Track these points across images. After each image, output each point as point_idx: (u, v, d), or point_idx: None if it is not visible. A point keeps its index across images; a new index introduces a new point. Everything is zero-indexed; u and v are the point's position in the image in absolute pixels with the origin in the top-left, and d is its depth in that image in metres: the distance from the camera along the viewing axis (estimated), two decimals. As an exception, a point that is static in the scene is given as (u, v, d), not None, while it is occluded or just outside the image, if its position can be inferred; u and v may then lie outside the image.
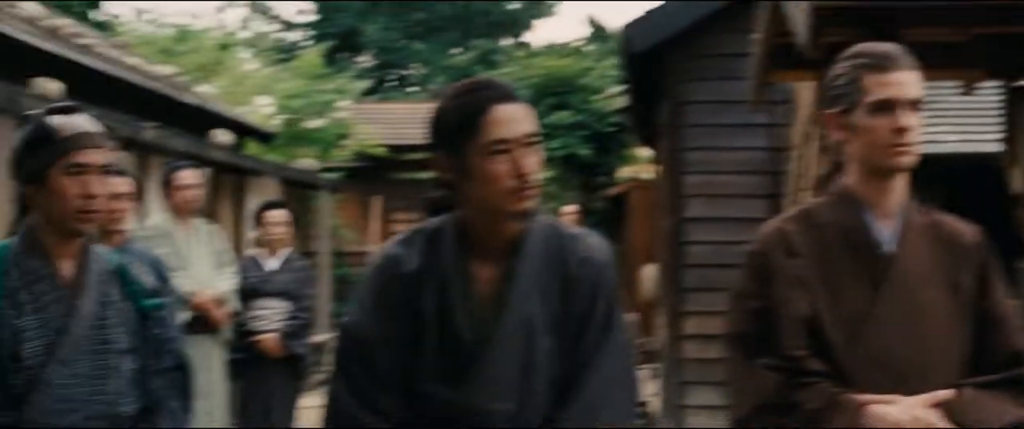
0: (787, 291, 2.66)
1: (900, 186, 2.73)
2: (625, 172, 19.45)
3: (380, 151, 18.80)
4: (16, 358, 2.68)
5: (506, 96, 2.46)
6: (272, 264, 7.41)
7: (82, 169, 2.74)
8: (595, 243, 2.63)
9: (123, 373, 2.81)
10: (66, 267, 2.80)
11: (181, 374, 3.02)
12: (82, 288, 2.79)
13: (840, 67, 2.74)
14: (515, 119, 2.44)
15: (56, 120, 2.76)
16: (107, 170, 2.79)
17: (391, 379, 2.53)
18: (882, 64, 2.65)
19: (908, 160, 2.66)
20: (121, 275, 2.91)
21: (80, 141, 2.74)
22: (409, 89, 31.87)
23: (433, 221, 2.65)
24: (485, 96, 2.45)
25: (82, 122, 2.79)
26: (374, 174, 19.89)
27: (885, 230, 2.71)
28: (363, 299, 2.62)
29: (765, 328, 2.67)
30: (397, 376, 2.53)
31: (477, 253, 2.57)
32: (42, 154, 2.74)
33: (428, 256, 2.59)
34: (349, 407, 2.53)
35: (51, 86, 7.53)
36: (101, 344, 2.78)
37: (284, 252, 7.57)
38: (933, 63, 4.86)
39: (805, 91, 7.81)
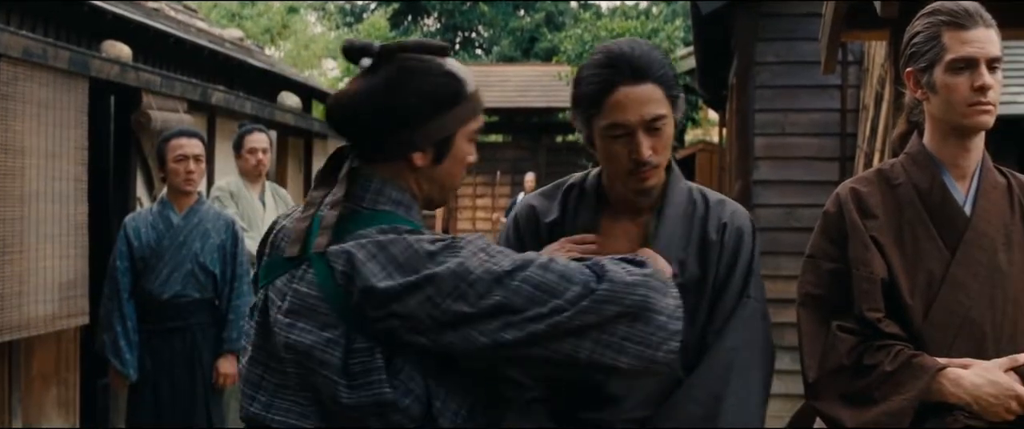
0: (863, 252, 2.63)
1: (978, 146, 2.68)
2: (693, 135, 19.37)
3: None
4: None
5: (636, 75, 2.43)
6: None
7: None
8: (737, 210, 2.64)
9: None
10: None
11: None
12: None
13: (919, 24, 2.69)
14: (638, 102, 2.43)
15: None
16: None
17: None
18: (962, 22, 2.60)
19: (988, 119, 2.62)
20: None
21: None
22: (475, 52, 31.86)
23: (575, 176, 2.71)
24: (613, 74, 2.44)
25: None
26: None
27: (962, 191, 2.67)
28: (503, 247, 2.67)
29: (840, 290, 2.64)
30: None
31: (616, 210, 2.60)
32: None
33: (567, 209, 2.64)
34: None
35: (121, 49, 7.62)
36: None
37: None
38: (1009, 22, 4.77)
39: (877, 51, 7.70)
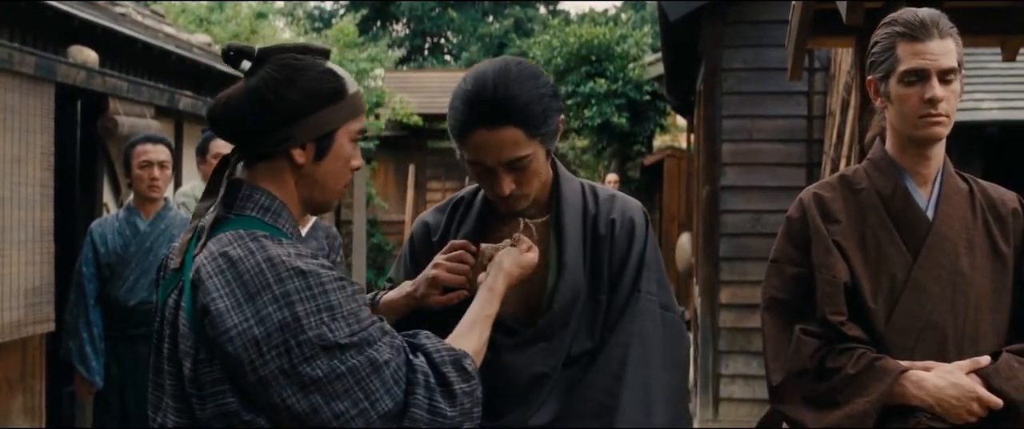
0: (826, 257, 2.65)
1: (938, 153, 2.71)
2: (661, 141, 19.41)
3: (414, 120, 18.84)
4: None
5: (493, 120, 2.37)
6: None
7: None
8: (628, 204, 2.63)
9: None
10: None
11: None
12: None
13: (878, 33, 2.73)
14: (496, 146, 2.39)
15: None
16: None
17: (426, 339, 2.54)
18: (916, 33, 2.63)
19: (940, 130, 2.65)
20: None
21: None
22: (443, 57, 31.85)
23: (466, 189, 2.70)
24: (470, 116, 2.39)
25: None
26: (408, 143, 19.96)
27: (924, 196, 2.69)
28: (400, 265, 2.70)
29: (803, 294, 2.67)
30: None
31: (504, 218, 2.59)
32: None
33: (452, 224, 2.64)
34: None
35: (88, 54, 7.57)
36: None
37: (311, 220, 7.60)
38: (974, 29, 4.83)
39: (843, 58, 7.76)
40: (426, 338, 2.16)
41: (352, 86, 2.19)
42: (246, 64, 2.16)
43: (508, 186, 2.43)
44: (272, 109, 2.09)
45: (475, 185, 2.65)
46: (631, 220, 2.58)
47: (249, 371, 1.97)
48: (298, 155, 2.13)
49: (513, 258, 2.42)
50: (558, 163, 2.62)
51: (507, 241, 2.48)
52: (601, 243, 2.55)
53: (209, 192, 2.19)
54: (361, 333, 2.01)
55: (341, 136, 2.17)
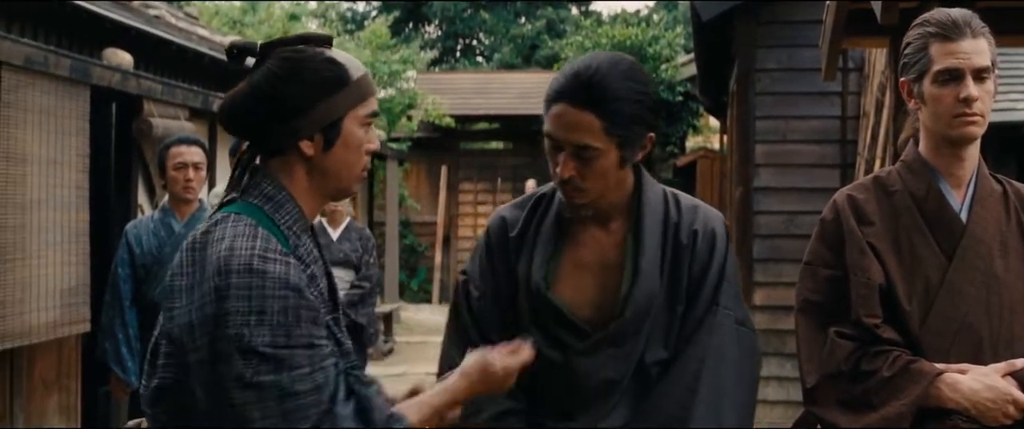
0: (860, 259, 2.64)
1: (972, 154, 2.69)
2: (694, 142, 19.37)
3: (447, 121, 18.85)
4: None
5: (576, 99, 2.40)
6: (333, 233, 7.50)
7: None
8: (710, 215, 2.62)
9: None
10: None
11: None
12: None
13: (911, 34, 2.71)
14: (567, 125, 2.41)
15: None
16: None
17: (498, 338, 2.52)
18: (948, 33, 2.61)
19: (975, 130, 2.63)
20: None
21: None
22: (475, 59, 31.87)
23: (548, 185, 2.68)
24: (562, 88, 2.43)
25: None
26: (441, 144, 19.98)
27: (958, 198, 2.68)
28: (475, 259, 2.68)
29: (838, 296, 2.65)
30: (502, 334, 2.53)
31: (585, 219, 2.58)
32: None
33: (532, 220, 2.63)
34: (457, 362, 2.56)
35: (122, 57, 7.62)
36: None
37: (345, 221, 7.65)
38: (1007, 29, 4.78)
39: (877, 58, 7.71)
40: (375, 393, 2.12)
41: (356, 70, 2.17)
42: (250, 61, 2.16)
43: (568, 171, 2.43)
44: (276, 104, 2.09)
45: (552, 183, 2.65)
46: (713, 232, 2.57)
47: (182, 354, 2.00)
48: (306, 147, 2.12)
49: (479, 366, 2.31)
50: (643, 170, 2.61)
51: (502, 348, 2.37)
52: (681, 253, 2.54)
53: (230, 186, 2.20)
54: (283, 350, 1.96)
55: (349, 123, 2.14)
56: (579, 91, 2.39)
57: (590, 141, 2.40)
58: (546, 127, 2.45)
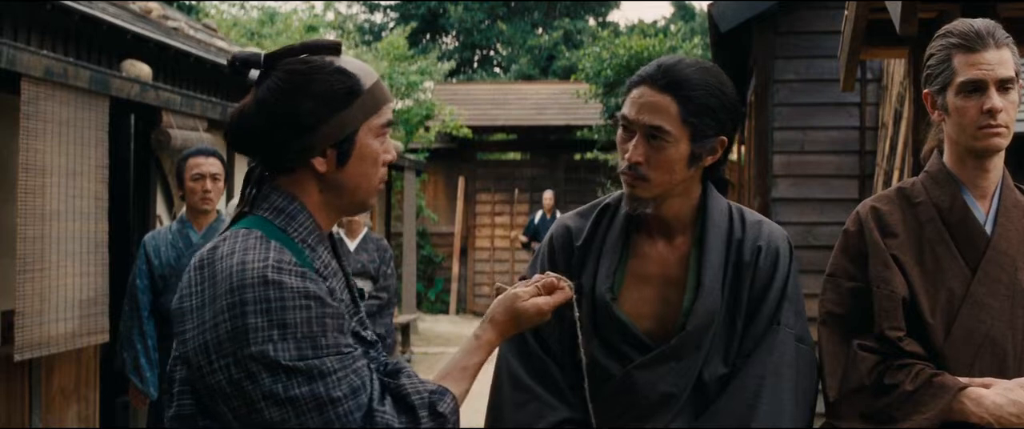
0: (883, 271, 2.62)
1: (997, 166, 2.67)
2: (710, 152, 19.27)
3: (464, 132, 18.86)
4: None
5: (657, 82, 2.44)
6: (350, 244, 7.52)
7: None
8: (774, 232, 2.61)
9: None
10: None
11: None
12: None
13: (934, 46, 2.69)
14: (646, 105, 2.45)
15: None
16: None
17: (557, 346, 2.54)
18: (971, 44, 2.60)
19: (999, 141, 2.61)
20: None
21: None
22: (493, 70, 31.89)
23: (614, 195, 2.69)
24: (646, 72, 2.48)
25: None
26: (458, 155, 19.98)
27: (982, 210, 2.66)
28: (536, 266, 2.67)
29: (860, 309, 2.63)
30: (562, 344, 2.54)
31: (650, 231, 2.59)
32: None
33: (598, 230, 2.63)
34: (515, 370, 2.56)
35: (141, 68, 7.65)
36: None
37: (362, 232, 7.66)
38: (1030, 39, 4.75)
39: (896, 69, 7.68)
40: (407, 378, 2.05)
41: (369, 79, 2.05)
42: (254, 73, 2.03)
43: (637, 154, 2.45)
44: (284, 122, 1.97)
45: (619, 192, 2.64)
46: (776, 249, 2.57)
47: (201, 377, 1.90)
48: (319, 164, 2.02)
49: (505, 306, 2.30)
50: (710, 184, 2.61)
51: (520, 284, 2.40)
52: (744, 269, 2.54)
53: (240, 202, 2.10)
54: (312, 361, 1.88)
55: (363, 135, 2.03)
56: (661, 76, 2.44)
57: (663, 123, 2.43)
58: (624, 110, 2.48)
